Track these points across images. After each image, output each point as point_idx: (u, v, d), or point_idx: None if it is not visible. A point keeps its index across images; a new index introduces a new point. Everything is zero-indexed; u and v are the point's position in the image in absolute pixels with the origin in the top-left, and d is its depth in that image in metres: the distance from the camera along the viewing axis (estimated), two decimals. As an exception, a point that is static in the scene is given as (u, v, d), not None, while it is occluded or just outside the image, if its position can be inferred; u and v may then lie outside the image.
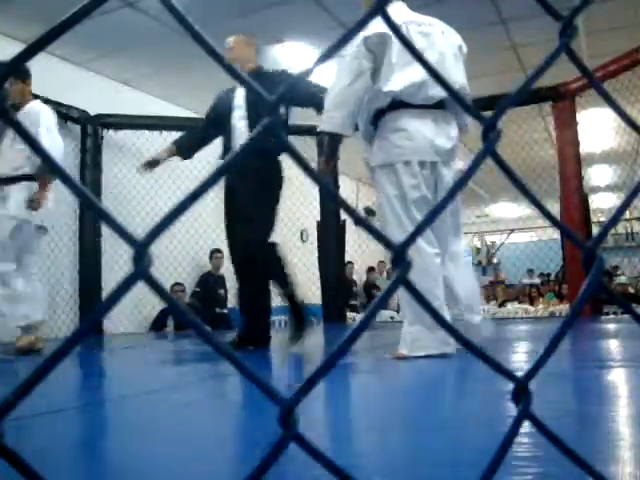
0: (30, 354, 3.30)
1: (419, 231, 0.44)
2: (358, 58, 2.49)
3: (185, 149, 3.68)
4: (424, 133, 2.50)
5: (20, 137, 0.33)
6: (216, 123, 3.50)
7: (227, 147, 3.45)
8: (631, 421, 1.24)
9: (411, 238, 0.43)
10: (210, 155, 6.37)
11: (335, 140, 2.59)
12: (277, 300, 4.04)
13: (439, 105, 2.53)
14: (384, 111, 2.55)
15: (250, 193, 3.31)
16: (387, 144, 2.54)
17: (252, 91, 0.38)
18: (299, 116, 5.15)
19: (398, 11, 2.62)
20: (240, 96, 3.36)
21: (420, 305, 0.43)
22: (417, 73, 2.44)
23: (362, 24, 0.42)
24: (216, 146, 6.27)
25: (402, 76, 2.48)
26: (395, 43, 2.47)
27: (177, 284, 6.63)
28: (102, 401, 1.90)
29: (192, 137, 3.71)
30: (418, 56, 0.46)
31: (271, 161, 3.29)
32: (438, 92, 2.47)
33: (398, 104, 2.50)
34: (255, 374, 0.37)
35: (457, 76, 2.60)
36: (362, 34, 2.44)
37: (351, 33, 0.42)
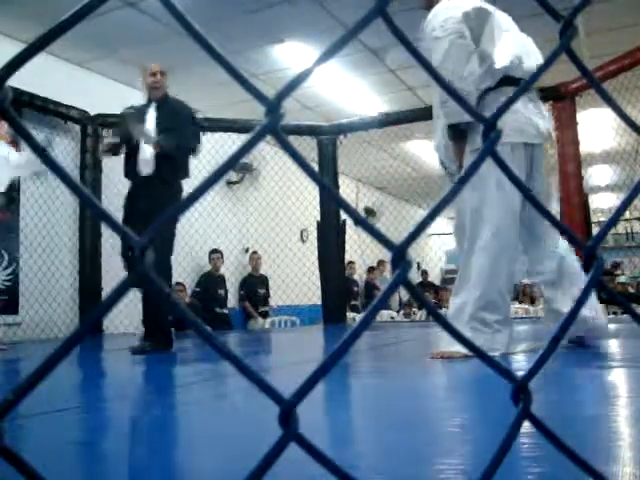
0: None
1: (420, 231, 0.44)
2: (463, 37, 2.34)
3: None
4: (526, 113, 2.35)
5: (21, 138, 0.33)
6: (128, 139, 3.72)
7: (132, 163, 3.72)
8: (631, 421, 1.24)
9: (411, 238, 0.43)
10: (210, 155, 6.37)
11: (460, 132, 2.42)
12: (280, 301, 4.04)
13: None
14: (486, 91, 2.38)
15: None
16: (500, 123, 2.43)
17: (257, 96, 0.38)
18: (299, 116, 5.15)
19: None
20: (152, 110, 3.75)
21: (420, 303, 0.43)
22: (512, 46, 2.37)
23: (362, 24, 0.42)
24: (217, 146, 6.27)
25: (503, 50, 2.37)
26: (493, 18, 2.39)
27: (177, 284, 6.63)
28: (102, 401, 1.90)
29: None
30: (420, 58, 0.46)
31: (175, 187, 3.66)
32: (531, 66, 2.36)
33: (502, 81, 2.35)
34: (255, 374, 0.37)
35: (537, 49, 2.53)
36: (460, 10, 2.36)
37: (351, 33, 0.41)
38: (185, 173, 3.83)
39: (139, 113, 3.76)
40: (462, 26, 2.36)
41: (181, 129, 3.71)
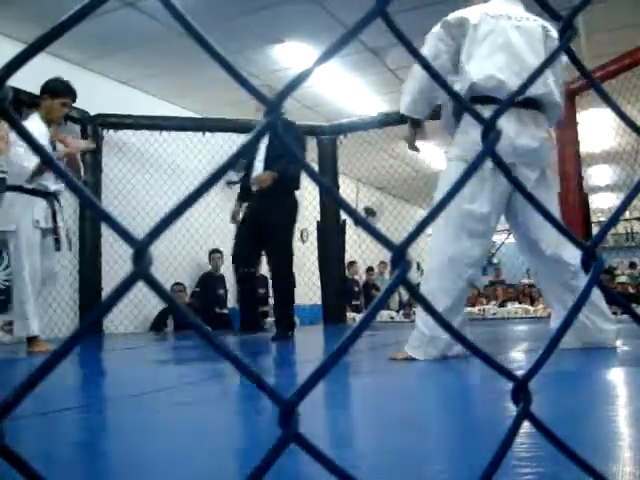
0: None
1: (420, 230, 0.44)
2: (434, 40, 2.43)
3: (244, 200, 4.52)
4: (506, 131, 2.31)
5: (21, 138, 0.33)
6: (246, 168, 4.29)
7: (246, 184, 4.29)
8: (631, 421, 1.24)
9: (411, 238, 0.43)
10: (210, 155, 6.36)
11: (413, 122, 2.66)
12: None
13: (528, 104, 2.41)
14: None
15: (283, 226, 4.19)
16: (465, 138, 2.44)
17: (257, 96, 0.38)
18: (298, 117, 5.14)
19: (492, 5, 2.50)
20: (263, 143, 4.11)
21: (421, 306, 0.43)
22: (498, 66, 2.36)
23: (362, 24, 0.42)
24: (218, 146, 6.25)
25: (483, 66, 2.38)
26: (480, 31, 2.38)
27: (177, 284, 6.63)
28: (102, 401, 1.90)
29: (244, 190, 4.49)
30: (437, 76, 0.46)
31: (290, 199, 4.25)
32: (530, 90, 2.38)
33: (483, 99, 2.37)
34: (255, 374, 0.37)
35: (547, 74, 2.41)
36: (444, 18, 2.44)
37: (351, 33, 0.42)
38: (296, 185, 4.29)
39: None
40: (439, 31, 2.43)
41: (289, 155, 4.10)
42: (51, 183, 3.68)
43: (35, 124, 3.61)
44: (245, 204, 4.45)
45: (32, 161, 3.47)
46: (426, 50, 2.42)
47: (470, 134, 2.39)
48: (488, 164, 2.32)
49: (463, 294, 2.47)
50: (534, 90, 2.35)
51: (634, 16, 5.34)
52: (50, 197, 3.70)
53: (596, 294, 2.44)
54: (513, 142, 2.38)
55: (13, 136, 3.56)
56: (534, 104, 2.45)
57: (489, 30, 2.41)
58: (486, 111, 2.26)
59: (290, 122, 4.22)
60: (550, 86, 2.45)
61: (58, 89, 3.70)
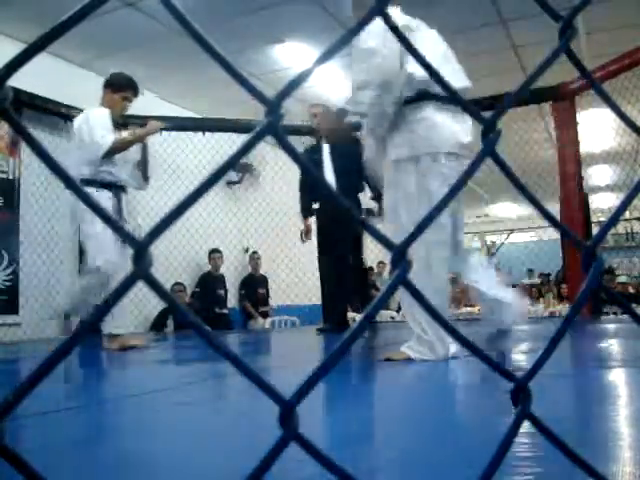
0: None
1: (420, 230, 0.44)
2: (375, 39, 2.35)
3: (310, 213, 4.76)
4: (448, 125, 2.40)
5: (21, 138, 0.33)
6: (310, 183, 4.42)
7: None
8: (631, 421, 1.24)
9: (411, 238, 0.43)
10: (210, 155, 6.36)
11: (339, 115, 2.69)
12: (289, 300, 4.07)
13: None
14: (404, 103, 2.43)
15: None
16: (411, 135, 2.42)
17: (257, 96, 0.38)
18: (299, 117, 5.13)
19: (392, 15, 2.60)
20: (326, 152, 4.27)
21: (420, 305, 0.43)
22: (436, 64, 2.42)
23: (362, 24, 0.42)
24: (218, 146, 6.24)
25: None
26: (417, 36, 2.43)
27: (177, 284, 6.63)
28: (102, 401, 1.90)
29: (307, 202, 4.71)
30: (419, 56, 0.46)
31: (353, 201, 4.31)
32: (453, 85, 2.43)
33: (420, 95, 2.41)
34: (255, 374, 0.37)
35: (451, 77, 2.50)
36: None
37: (351, 33, 0.42)
38: (359, 188, 4.42)
39: (312, 153, 4.33)
40: (380, 32, 2.36)
41: (353, 170, 4.22)
42: (122, 173, 3.61)
43: (97, 109, 3.57)
44: (312, 218, 4.68)
45: (107, 140, 3.42)
46: (374, 45, 2.34)
47: (415, 130, 2.41)
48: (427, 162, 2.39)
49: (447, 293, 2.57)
50: (460, 83, 2.46)
51: (634, 16, 5.34)
52: (117, 189, 3.61)
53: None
54: (455, 135, 2.43)
55: (83, 118, 3.51)
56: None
57: (416, 35, 2.47)
58: (428, 105, 2.40)
59: (356, 139, 4.35)
60: (464, 78, 2.54)
61: (119, 83, 3.66)
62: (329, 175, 4.29)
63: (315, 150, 4.49)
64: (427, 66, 0.47)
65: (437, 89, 2.35)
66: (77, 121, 3.62)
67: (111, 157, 3.50)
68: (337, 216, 4.08)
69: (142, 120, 6.14)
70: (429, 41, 2.55)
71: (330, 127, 4.30)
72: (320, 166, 4.29)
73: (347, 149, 4.30)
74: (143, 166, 3.79)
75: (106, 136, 3.45)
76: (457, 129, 2.44)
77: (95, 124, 3.48)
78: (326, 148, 4.38)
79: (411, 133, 2.43)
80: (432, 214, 0.45)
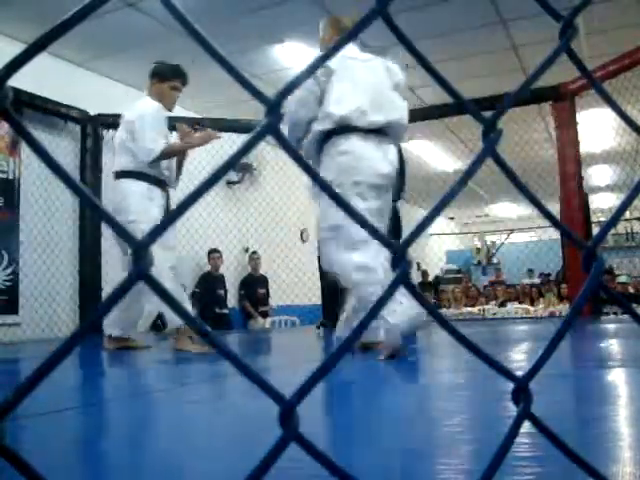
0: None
1: (420, 231, 0.44)
2: (305, 89, 2.66)
3: None
4: (369, 156, 2.62)
5: (21, 138, 0.33)
6: None
7: None
8: (631, 421, 1.24)
9: (411, 238, 0.43)
10: (210, 155, 6.37)
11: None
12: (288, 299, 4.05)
13: (380, 131, 2.68)
14: (329, 134, 2.67)
15: None
16: (334, 165, 2.64)
17: (257, 96, 0.38)
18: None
19: (348, 50, 2.72)
20: None
21: (420, 303, 0.43)
22: (360, 100, 2.63)
23: (362, 24, 0.42)
24: (218, 146, 6.27)
25: (348, 102, 2.64)
26: (340, 75, 2.65)
27: (177, 284, 6.62)
28: (102, 401, 1.90)
29: None
30: (437, 76, 0.46)
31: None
32: (379, 118, 2.66)
33: (344, 128, 2.63)
34: (255, 373, 0.37)
35: (398, 102, 2.78)
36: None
37: (351, 33, 0.42)
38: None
39: None
40: (308, 80, 2.58)
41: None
42: (167, 170, 3.50)
43: (149, 102, 3.43)
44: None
45: (160, 142, 3.31)
46: (297, 98, 2.68)
47: (337, 161, 2.63)
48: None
49: None
50: (390, 117, 2.69)
51: (634, 16, 5.34)
52: (165, 186, 3.50)
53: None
54: (376, 166, 2.63)
55: (137, 113, 3.38)
56: (385, 130, 2.71)
57: (345, 70, 2.69)
58: (350, 137, 2.63)
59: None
60: (400, 110, 2.77)
61: (166, 72, 3.52)
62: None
63: None
64: (428, 68, 0.47)
65: (360, 122, 2.63)
66: (130, 114, 3.45)
67: (158, 162, 3.39)
68: None
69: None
70: (362, 73, 2.74)
71: None
72: None
73: None
74: (178, 165, 3.69)
75: (158, 141, 3.33)
76: (378, 160, 2.64)
77: (148, 125, 3.34)
78: None
79: (333, 162, 2.65)
80: (432, 214, 0.45)
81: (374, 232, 0.42)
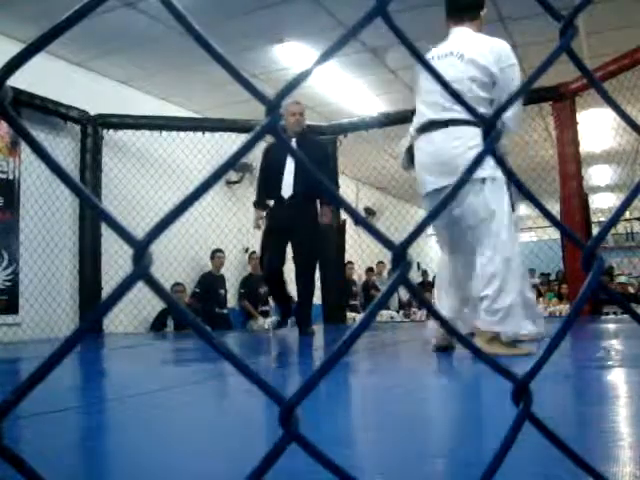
0: None
1: (419, 231, 0.44)
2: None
3: (263, 205, 4.59)
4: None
5: (21, 138, 0.33)
6: (269, 175, 4.44)
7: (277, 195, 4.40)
8: (631, 421, 1.24)
9: (411, 238, 0.43)
10: (210, 155, 6.35)
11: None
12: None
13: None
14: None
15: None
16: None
17: (257, 95, 0.38)
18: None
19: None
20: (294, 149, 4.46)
21: (420, 303, 0.43)
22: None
23: (362, 24, 0.42)
24: (218, 146, 6.23)
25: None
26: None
27: (177, 284, 6.63)
28: (102, 401, 1.90)
29: (262, 194, 4.58)
30: (437, 76, 0.46)
31: (314, 205, 4.43)
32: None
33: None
34: (255, 374, 0.37)
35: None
36: None
37: (351, 33, 0.41)
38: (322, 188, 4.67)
39: (280, 150, 4.25)
40: None
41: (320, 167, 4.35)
42: None
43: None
44: (264, 211, 4.60)
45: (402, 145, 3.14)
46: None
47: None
48: None
49: None
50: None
51: (634, 16, 5.34)
52: None
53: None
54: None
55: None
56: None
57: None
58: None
59: (322, 143, 4.72)
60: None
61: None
62: (288, 176, 4.31)
63: (279, 148, 4.51)
64: (429, 68, 0.47)
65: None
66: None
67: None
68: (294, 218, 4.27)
69: (150, 120, 6.17)
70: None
71: (303, 127, 4.40)
72: (283, 163, 4.28)
73: (315, 149, 4.32)
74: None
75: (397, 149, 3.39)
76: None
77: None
78: (293, 142, 4.33)
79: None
80: (431, 214, 0.45)
81: (373, 232, 0.42)
